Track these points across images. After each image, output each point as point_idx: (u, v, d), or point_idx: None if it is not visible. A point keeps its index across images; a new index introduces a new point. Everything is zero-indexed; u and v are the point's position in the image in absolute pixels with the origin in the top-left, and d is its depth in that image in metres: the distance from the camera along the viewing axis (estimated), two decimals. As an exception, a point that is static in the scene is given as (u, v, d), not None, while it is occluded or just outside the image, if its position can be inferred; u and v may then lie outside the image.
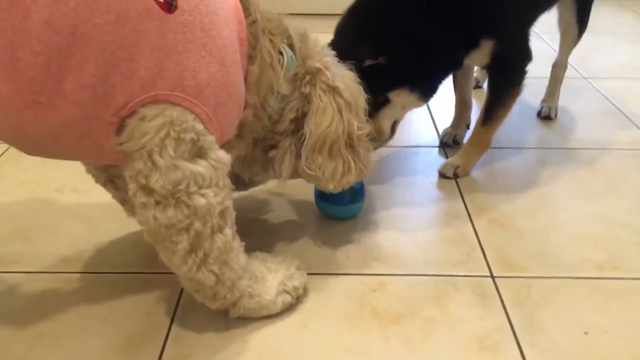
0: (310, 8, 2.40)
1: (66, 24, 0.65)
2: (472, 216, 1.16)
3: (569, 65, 1.76)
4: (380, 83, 1.11)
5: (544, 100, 1.65)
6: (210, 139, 0.76)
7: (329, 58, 0.96)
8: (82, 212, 1.16)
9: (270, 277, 0.88)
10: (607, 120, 1.59)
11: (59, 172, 1.28)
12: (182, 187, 0.73)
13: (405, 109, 1.20)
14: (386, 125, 1.19)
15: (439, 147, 1.46)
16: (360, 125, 0.97)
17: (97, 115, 0.71)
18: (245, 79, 0.84)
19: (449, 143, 1.46)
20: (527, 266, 1.02)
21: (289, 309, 0.91)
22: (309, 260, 1.03)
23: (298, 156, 0.96)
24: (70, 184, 1.25)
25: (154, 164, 0.72)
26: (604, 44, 2.20)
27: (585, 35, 1.53)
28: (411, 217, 1.15)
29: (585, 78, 1.86)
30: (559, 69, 1.62)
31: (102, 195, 1.03)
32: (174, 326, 0.88)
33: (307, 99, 0.93)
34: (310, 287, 0.96)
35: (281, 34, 0.90)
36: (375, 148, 1.14)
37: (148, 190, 0.73)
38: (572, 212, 1.18)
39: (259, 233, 1.11)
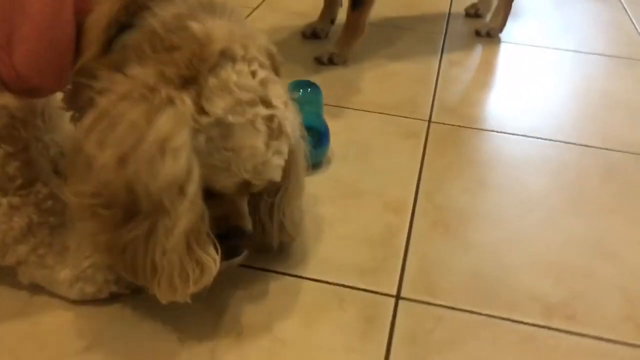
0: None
1: None
2: (416, 211, 0.92)
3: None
4: None
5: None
6: None
7: None
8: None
9: (80, 254, 0.70)
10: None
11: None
12: None
13: None
14: None
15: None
16: None
17: None
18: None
19: (306, 34, 1.47)
20: (450, 291, 0.78)
21: (114, 298, 0.73)
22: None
23: None
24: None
25: None
26: None
27: None
28: (336, 202, 0.93)
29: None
30: None
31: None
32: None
33: None
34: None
35: None
36: None
37: None
38: (549, 229, 0.90)
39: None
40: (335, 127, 1.04)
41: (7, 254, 0.68)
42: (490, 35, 1.54)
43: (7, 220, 0.65)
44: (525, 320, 0.75)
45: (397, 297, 0.77)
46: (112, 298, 0.72)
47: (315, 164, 0.98)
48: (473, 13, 1.66)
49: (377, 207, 0.92)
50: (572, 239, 0.89)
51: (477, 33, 1.55)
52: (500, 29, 1.54)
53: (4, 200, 0.65)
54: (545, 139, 1.12)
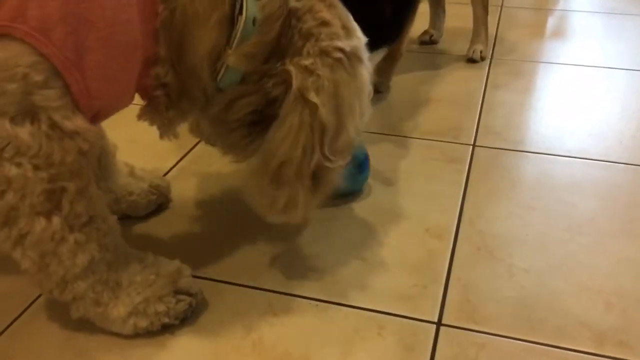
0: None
1: None
2: (459, 237, 0.90)
3: None
4: None
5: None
6: (51, 95, 0.59)
7: (322, 58, 0.70)
8: None
9: (132, 290, 0.71)
10: None
11: None
12: None
13: None
14: None
15: None
16: (329, 157, 0.71)
17: None
18: (153, 21, 0.64)
19: None
20: (494, 318, 0.76)
21: (165, 329, 0.73)
22: (221, 261, 0.85)
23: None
24: None
25: None
26: None
27: None
28: (378, 229, 0.92)
29: None
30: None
31: None
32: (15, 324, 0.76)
33: (273, 101, 0.71)
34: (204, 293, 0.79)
35: None
36: None
37: None
38: (598, 253, 0.87)
39: (170, 223, 0.95)
40: (376, 154, 1.04)
41: (65, 290, 0.69)
42: (482, 59, 1.53)
43: (72, 256, 0.66)
44: (574, 347, 0.72)
45: (439, 323, 0.75)
46: (163, 328, 0.73)
47: (356, 191, 0.99)
48: (428, 40, 1.65)
49: (419, 233, 0.91)
50: (623, 263, 0.85)
51: (471, 60, 1.53)
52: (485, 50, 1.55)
53: (71, 237, 0.65)
54: (594, 160, 1.09)
